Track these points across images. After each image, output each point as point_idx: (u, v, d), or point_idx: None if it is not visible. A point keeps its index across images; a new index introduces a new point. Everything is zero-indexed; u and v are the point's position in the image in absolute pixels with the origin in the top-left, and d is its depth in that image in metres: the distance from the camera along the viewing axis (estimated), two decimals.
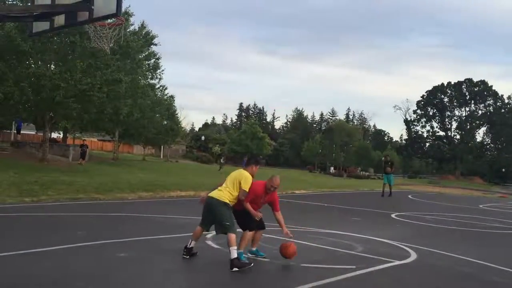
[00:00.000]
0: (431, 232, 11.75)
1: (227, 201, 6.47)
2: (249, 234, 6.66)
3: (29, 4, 8.33)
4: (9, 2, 21.43)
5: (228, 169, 44.65)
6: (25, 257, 6.30)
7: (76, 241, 7.39)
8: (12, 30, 19.96)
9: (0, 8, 11.52)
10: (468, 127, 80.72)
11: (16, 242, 7.13)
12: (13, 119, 32.31)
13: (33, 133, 45.57)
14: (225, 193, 6.52)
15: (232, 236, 6.20)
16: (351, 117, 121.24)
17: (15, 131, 36.84)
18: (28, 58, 21.89)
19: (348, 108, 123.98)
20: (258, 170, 6.88)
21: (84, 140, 39.10)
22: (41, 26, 6.99)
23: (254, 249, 7.03)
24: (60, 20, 6.62)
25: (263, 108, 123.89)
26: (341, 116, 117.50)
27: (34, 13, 6.76)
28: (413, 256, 8.00)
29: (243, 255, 6.47)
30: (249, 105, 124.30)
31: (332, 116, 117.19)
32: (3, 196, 12.43)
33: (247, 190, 6.50)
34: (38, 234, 8.10)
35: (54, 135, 44.54)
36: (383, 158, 25.04)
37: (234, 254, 6.09)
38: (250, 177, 6.63)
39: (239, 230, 6.68)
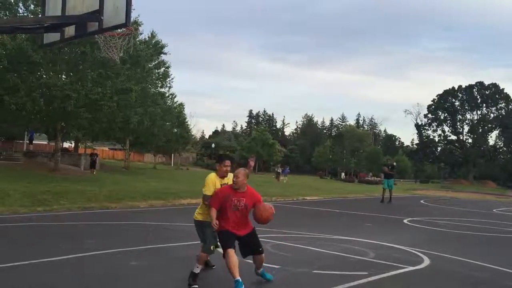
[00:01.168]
0: (444, 237, 11.63)
1: (200, 218, 6.09)
2: (231, 254, 5.62)
3: (40, 15, 8.45)
4: (20, 14, 21.74)
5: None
6: (38, 266, 6.35)
7: (88, 250, 7.42)
8: (23, 42, 20.24)
9: (12, 20, 11.70)
10: (480, 130, 79.95)
11: (29, 251, 7.18)
12: (26, 129, 32.65)
13: (45, 143, 46.04)
14: (199, 209, 6.18)
15: (202, 255, 5.93)
16: (361, 122, 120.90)
17: (28, 141, 37.26)
18: (40, 69, 22.15)
19: (358, 114, 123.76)
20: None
21: (95, 149, 39.43)
22: (51, 37, 7.06)
23: (259, 271, 6.18)
24: (70, 31, 6.69)
25: (272, 114, 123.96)
26: (351, 121, 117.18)
27: (45, 25, 6.84)
28: (426, 261, 7.93)
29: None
30: (259, 112, 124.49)
31: (342, 122, 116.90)
32: (16, 205, 12.55)
33: (208, 194, 5.95)
34: (50, 243, 8.16)
35: (66, 144, 44.95)
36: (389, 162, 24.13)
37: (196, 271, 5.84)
38: (211, 178, 6.07)
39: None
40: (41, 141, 45.71)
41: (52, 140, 34.70)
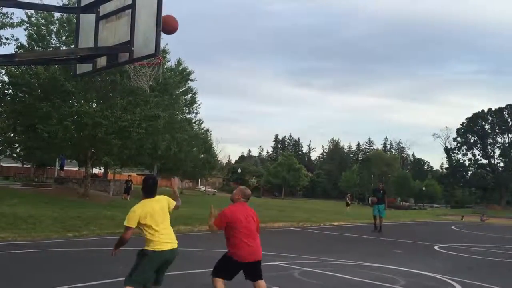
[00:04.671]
0: (477, 265, 11.31)
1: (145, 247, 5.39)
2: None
3: (72, 46, 8.75)
4: (53, 45, 22.51)
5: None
6: None
7: (118, 276, 7.46)
8: (56, 72, 20.92)
9: (47, 53, 12.17)
10: None
11: (60, 277, 7.29)
12: (57, 156, 33.41)
13: (76, 169, 46.95)
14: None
15: None
16: (388, 146, 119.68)
17: (59, 168, 38.09)
18: (72, 97, 22.76)
19: (385, 138, 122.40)
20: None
21: (129, 175, 40.10)
22: (84, 67, 7.27)
23: None
24: (102, 61, 6.88)
25: (298, 139, 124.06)
26: (378, 145, 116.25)
27: (78, 56, 7.07)
28: None
29: None
30: (285, 136, 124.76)
31: (369, 146, 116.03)
32: (47, 231, 12.78)
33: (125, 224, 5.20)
34: (81, 269, 8.27)
35: (95, 170, 45.75)
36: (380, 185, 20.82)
37: None
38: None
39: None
40: (71, 167, 46.65)
41: (82, 166, 35.39)
